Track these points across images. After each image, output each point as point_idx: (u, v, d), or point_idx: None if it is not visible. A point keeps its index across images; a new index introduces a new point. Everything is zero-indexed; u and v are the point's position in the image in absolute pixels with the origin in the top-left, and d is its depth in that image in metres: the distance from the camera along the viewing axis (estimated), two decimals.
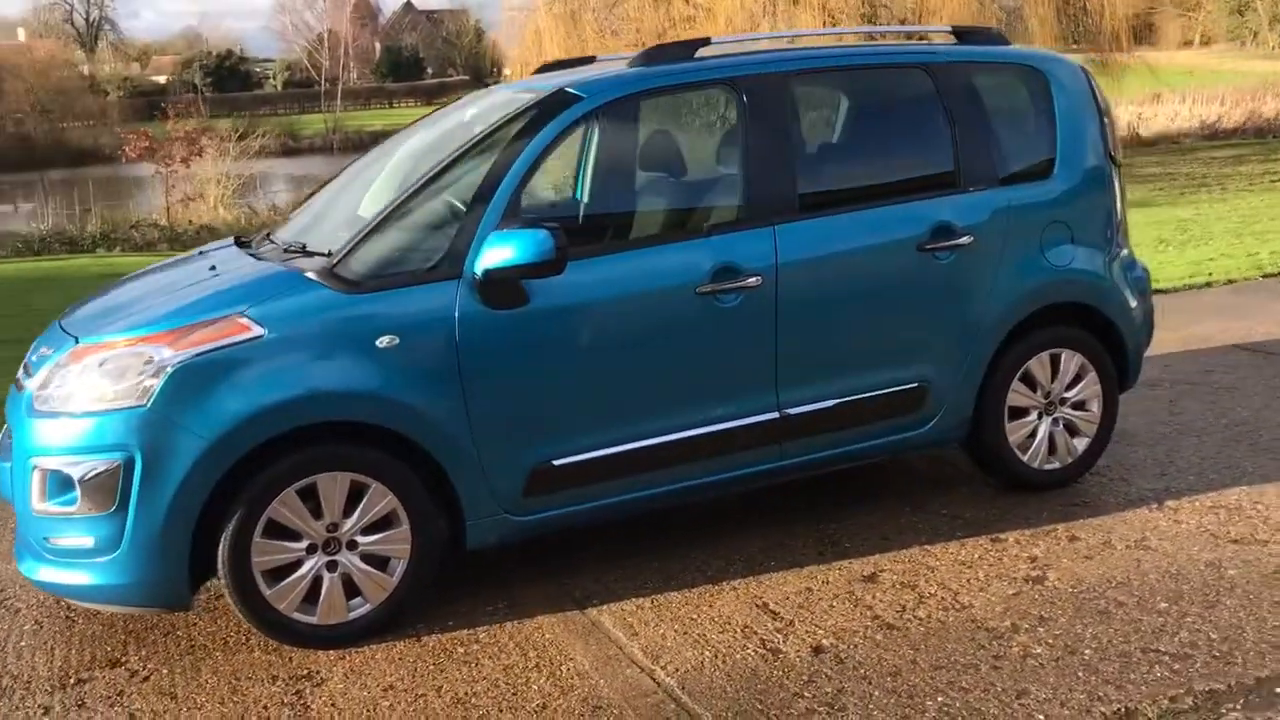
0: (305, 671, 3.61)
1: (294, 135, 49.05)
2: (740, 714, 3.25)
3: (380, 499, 3.72)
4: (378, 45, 75.67)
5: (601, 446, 3.97)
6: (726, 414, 4.14)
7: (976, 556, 4.22)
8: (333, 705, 3.40)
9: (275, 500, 3.60)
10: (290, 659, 3.68)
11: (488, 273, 3.72)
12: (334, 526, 3.70)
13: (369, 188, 4.56)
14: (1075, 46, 24.69)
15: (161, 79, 66.16)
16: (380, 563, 3.78)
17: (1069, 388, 4.75)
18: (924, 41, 5.63)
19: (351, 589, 3.76)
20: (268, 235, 4.56)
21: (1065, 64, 4.92)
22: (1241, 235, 11.82)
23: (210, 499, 3.53)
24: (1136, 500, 4.67)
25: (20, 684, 3.61)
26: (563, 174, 4.99)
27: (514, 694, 3.42)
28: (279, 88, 68.92)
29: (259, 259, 4.12)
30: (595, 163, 4.76)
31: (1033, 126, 4.77)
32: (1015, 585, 3.96)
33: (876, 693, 3.32)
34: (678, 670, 3.50)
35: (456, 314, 3.74)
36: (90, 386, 3.56)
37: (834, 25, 23.83)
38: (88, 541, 3.55)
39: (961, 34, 4.94)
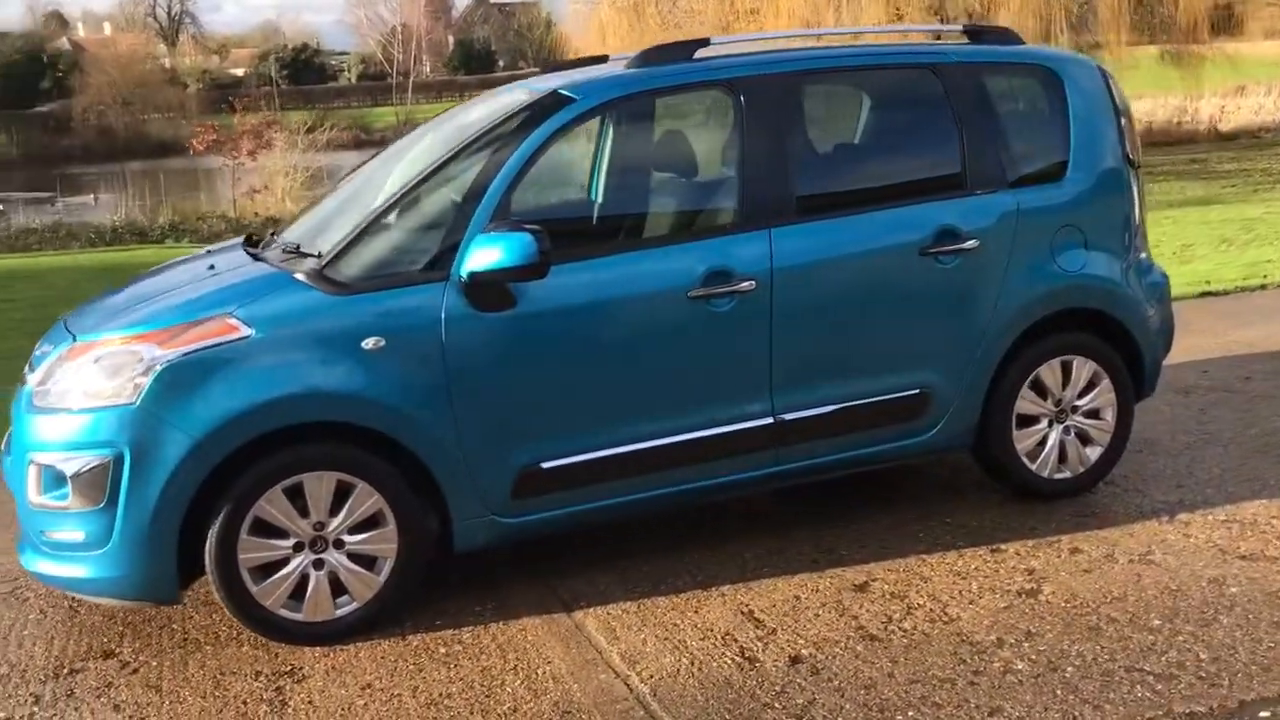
0: (289, 668, 3.66)
1: (365, 128, 49.84)
2: None
3: (366, 499, 3.75)
4: (450, 38, 76.45)
5: (590, 450, 3.96)
6: (719, 418, 4.11)
7: (973, 567, 4.13)
8: (310, 703, 3.45)
9: (262, 498, 3.65)
10: (276, 655, 3.74)
11: (473, 275, 3.73)
12: (321, 525, 3.74)
13: (378, 187, 4.59)
14: (1148, 38, 24.08)
15: (239, 72, 67.65)
16: (367, 562, 3.82)
17: (1081, 395, 4.63)
18: (938, 41, 5.51)
19: (339, 587, 3.80)
20: (274, 234, 4.62)
21: (1081, 63, 4.80)
22: None
23: (198, 496, 3.60)
24: (1148, 512, 4.54)
25: (16, 672, 3.71)
26: (558, 176, 4.98)
27: (487, 696, 3.44)
28: (353, 80, 69.99)
29: (257, 260, 4.18)
30: (590, 165, 4.74)
31: (1045, 128, 4.65)
32: (1007, 598, 3.88)
33: (847, 705, 3.28)
34: (652, 677, 3.49)
35: (443, 316, 3.76)
36: (85, 384, 3.65)
37: (899, 17, 23.54)
38: (80, 535, 3.64)
39: (974, 34, 4.84)
